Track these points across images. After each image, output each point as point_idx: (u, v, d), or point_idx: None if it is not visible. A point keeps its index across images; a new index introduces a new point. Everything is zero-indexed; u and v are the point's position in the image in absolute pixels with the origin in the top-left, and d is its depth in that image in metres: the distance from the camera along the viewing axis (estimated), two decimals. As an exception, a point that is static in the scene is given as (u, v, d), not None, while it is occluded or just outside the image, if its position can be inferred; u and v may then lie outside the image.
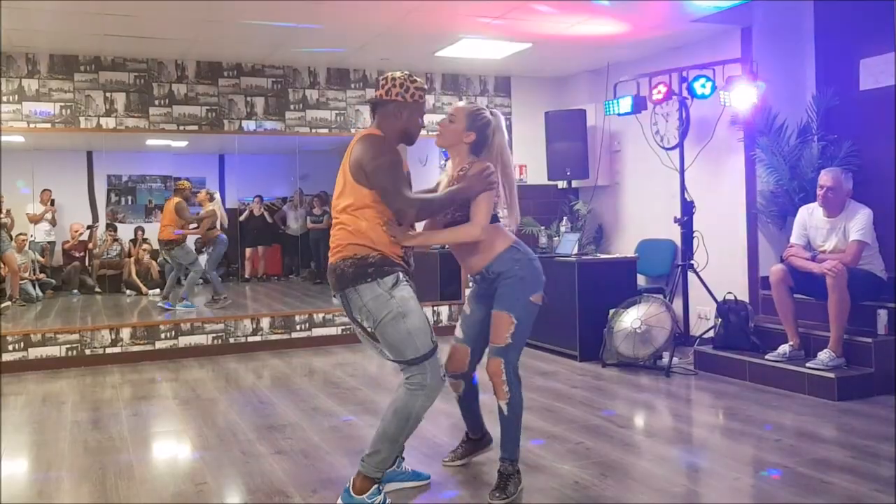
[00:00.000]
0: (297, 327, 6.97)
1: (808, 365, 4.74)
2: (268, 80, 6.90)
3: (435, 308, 7.55)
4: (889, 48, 4.87)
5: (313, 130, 7.04)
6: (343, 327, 7.15)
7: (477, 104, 3.27)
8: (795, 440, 3.89)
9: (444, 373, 3.04)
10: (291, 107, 6.97)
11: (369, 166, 2.86)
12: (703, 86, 5.75)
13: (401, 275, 2.94)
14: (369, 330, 3.00)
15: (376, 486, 2.96)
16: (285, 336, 6.93)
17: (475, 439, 3.65)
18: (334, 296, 3.05)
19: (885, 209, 4.93)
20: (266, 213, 11.17)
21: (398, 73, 3.04)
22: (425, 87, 3.09)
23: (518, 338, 3.15)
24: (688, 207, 5.79)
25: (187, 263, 8.42)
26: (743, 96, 5.57)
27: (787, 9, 5.76)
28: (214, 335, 6.74)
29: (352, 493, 2.97)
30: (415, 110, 3.02)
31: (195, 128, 6.72)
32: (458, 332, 3.41)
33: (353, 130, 7.19)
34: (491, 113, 3.21)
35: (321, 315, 7.12)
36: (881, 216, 4.86)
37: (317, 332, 7.02)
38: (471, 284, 3.42)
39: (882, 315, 4.77)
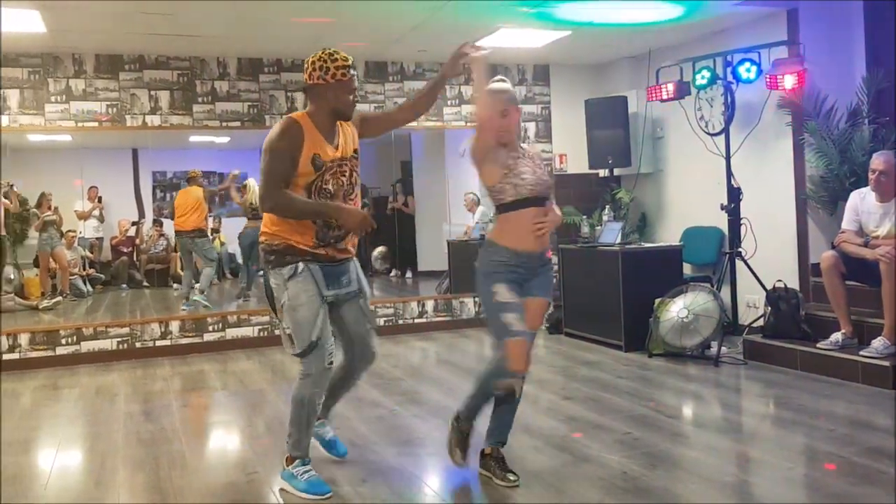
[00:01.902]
0: (341, 319, 7.02)
1: (861, 353, 4.63)
2: (303, 73, 6.93)
3: (477, 299, 7.53)
4: (944, 26, 4.73)
5: (353, 124, 7.06)
6: (385, 318, 7.18)
7: (496, 84, 3.16)
8: (850, 429, 3.81)
9: (330, 363, 3.12)
10: (331, 101, 7.00)
11: (264, 147, 3.05)
12: (749, 70, 5.64)
13: (300, 266, 3.06)
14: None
15: (299, 460, 3.23)
16: (329, 328, 6.98)
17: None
18: None
19: (940, 192, 4.77)
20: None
21: (318, 54, 3.08)
22: (349, 63, 3.07)
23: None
24: (735, 194, 5.68)
25: (210, 257, 8.43)
26: (789, 79, 5.44)
27: (835, -13, 5.62)
28: (260, 327, 6.83)
29: (285, 467, 3.26)
30: (339, 89, 3.06)
31: (237, 124, 6.81)
32: (520, 325, 3.02)
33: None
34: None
35: (364, 307, 7.16)
36: (937, 200, 4.71)
37: (360, 323, 7.06)
38: (504, 267, 3.07)
39: (938, 301, 4.64)
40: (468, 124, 7.44)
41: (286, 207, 3.03)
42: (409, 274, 9.62)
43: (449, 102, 7.33)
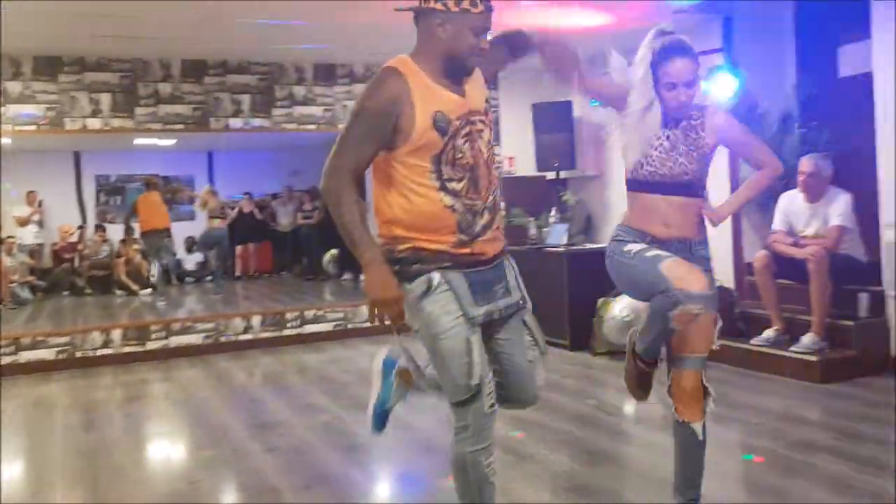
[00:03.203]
0: (289, 324, 6.99)
1: (792, 349, 4.80)
2: (254, 77, 6.90)
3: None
4: (866, 35, 4.92)
5: (301, 127, 7.04)
6: (335, 323, 7.16)
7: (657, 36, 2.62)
8: (780, 423, 3.96)
9: (492, 405, 2.22)
10: (278, 104, 6.97)
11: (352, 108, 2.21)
12: (686, 75, 5.79)
13: (435, 278, 2.17)
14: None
15: None
16: (276, 333, 6.94)
17: None
18: None
19: (864, 194, 4.98)
20: (256, 210, 11.17)
21: None
22: None
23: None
24: (673, 196, 5.84)
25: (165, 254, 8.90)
26: (723, 86, 5.60)
27: (767, -3, 5.80)
28: (206, 334, 6.75)
29: None
30: (463, 24, 2.13)
31: (181, 127, 6.72)
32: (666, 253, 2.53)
33: (340, 126, 7.20)
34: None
35: (312, 312, 7.14)
36: (861, 201, 4.92)
37: (308, 328, 7.05)
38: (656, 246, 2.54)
39: (863, 298, 4.84)
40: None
41: (334, 203, 2.15)
42: (361, 277, 9.62)
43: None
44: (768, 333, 4.99)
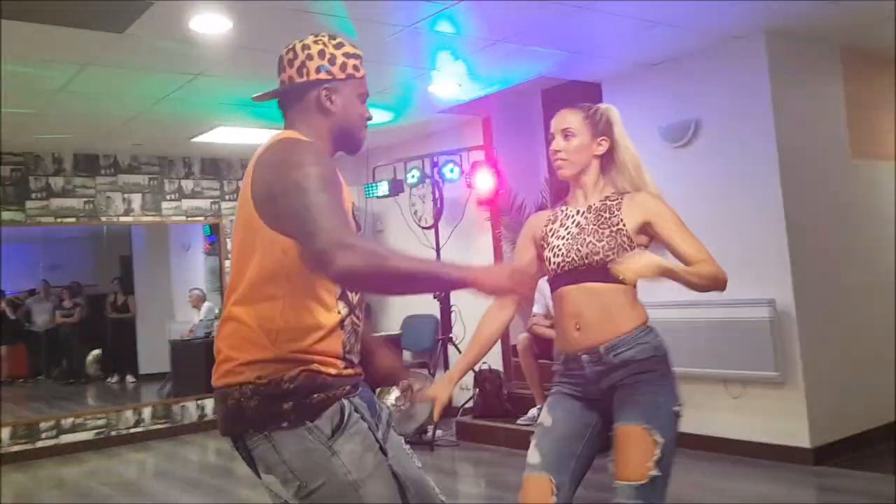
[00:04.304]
0: (43, 435, 6.31)
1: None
2: (5, 167, 6.37)
3: (199, 402, 7.16)
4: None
5: (58, 220, 6.57)
6: (97, 431, 6.57)
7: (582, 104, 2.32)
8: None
9: None
10: (33, 195, 6.47)
11: (280, 183, 1.64)
12: (452, 171, 6.18)
13: (346, 406, 1.71)
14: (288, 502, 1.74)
15: None
16: (28, 446, 6.23)
17: None
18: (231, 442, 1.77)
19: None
20: (8, 309, 10.12)
21: (309, 38, 1.83)
22: (361, 53, 1.88)
23: (666, 468, 2.08)
24: (440, 284, 6.11)
25: None
26: (485, 179, 6.04)
27: (519, 101, 6.37)
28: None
29: None
30: (351, 90, 1.83)
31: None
32: (534, 456, 2.20)
33: (103, 219, 6.81)
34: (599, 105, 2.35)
35: (71, 420, 6.51)
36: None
37: (66, 438, 6.40)
38: (556, 377, 2.29)
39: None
40: (188, 219, 7.23)
41: (380, 263, 1.55)
42: (129, 378, 8.97)
43: (168, 197, 7.09)
44: (532, 412, 5.28)
